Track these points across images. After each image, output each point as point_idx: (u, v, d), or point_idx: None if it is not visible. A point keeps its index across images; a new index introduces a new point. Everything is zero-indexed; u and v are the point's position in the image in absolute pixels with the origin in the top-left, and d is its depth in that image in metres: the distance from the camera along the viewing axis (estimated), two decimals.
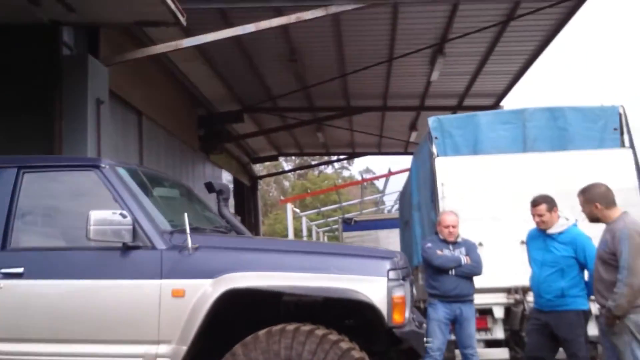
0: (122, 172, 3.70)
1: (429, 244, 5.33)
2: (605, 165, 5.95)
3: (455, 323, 5.26)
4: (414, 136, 14.82)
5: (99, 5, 6.18)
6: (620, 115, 6.35)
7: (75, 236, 3.54)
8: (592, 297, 4.44)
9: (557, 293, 4.52)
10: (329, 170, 38.87)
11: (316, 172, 36.89)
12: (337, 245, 3.59)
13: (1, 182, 3.73)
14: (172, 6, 6.08)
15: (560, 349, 4.72)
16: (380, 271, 3.20)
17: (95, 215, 3.27)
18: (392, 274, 3.21)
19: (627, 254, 3.76)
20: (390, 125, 14.54)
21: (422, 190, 7.16)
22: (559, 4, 7.94)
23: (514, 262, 5.79)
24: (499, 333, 5.99)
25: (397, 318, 3.15)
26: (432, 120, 6.55)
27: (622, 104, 6.43)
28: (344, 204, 21.23)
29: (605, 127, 6.36)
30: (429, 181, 6.54)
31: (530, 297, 5.56)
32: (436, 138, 6.43)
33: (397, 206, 18.08)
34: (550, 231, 4.65)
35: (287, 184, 39.72)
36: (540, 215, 4.65)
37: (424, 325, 4.00)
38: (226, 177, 14.91)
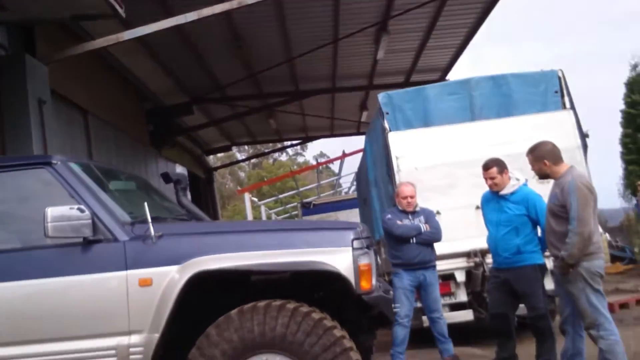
0: (75, 167, 3.62)
1: (389, 216, 5.46)
2: (549, 127, 6.18)
3: (420, 289, 5.42)
4: (364, 116, 14.97)
5: (32, 1, 5.95)
6: (559, 78, 6.61)
7: (33, 236, 3.45)
8: (547, 253, 4.67)
9: (514, 250, 4.71)
10: (283, 157, 38.88)
11: (271, 161, 36.81)
12: (300, 222, 3.64)
13: None
14: None
15: (521, 305, 4.95)
16: (344, 241, 3.27)
17: (52, 212, 3.20)
18: (356, 243, 3.28)
19: (576, 205, 3.96)
20: (341, 106, 14.64)
21: (377, 166, 7.29)
22: None
23: (471, 227, 5.99)
24: (462, 296, 6.21)
25: (364, 285, 3.23)
26: (381, 96, 6.65)
27: (561, 67, 6.71)
28: (301, 189, 21.32)
29: (546, 90, 6.61)
30: (384, 156, 6.67)
31: (489, 259, 5.78)
32: (387, 113, 6.54)
33: (354, 187, 18.28)
34: (503, 192, 4.82)
35: (242, 174, 39.46)
36: (492, 178, 4.82)
37: (391, 292, 4.11)
38: (180, 171, 14.68)
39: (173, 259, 3.28)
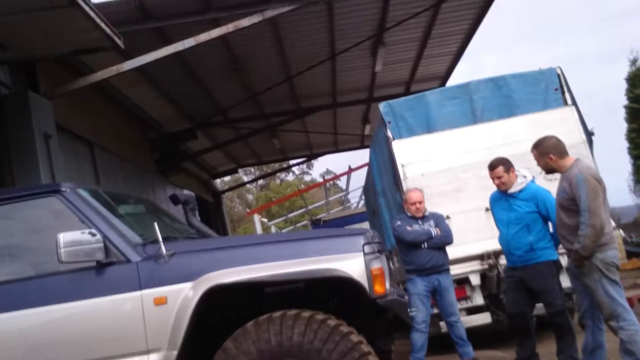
0: (83, 193, 3.67)
1: (399, 222, 5.45)
2: (552, 125, 6.16)
3: (435, 294, 5.39)
4: (367, 129, 15.02)
5: (34, 40, 6.08)
6: (558, 75, 6.62)
7: (46, 263, 3.48)
8: (561, 250, 4.63)
9: (526, 248, 4.68)
10: (290, 177, 38.94)
11: (278, 181, 36.89)
12: (310, 231, 3.65)
13: None
14: (107, 30, 6.01)
15: (539, 305, 4.90)
16: (355, 247, 3.27)
17: (65, 237, 3.23)
18: (367, 248, 3.28)
19: (585, 197, 3.95)
20: (343, 121, 14.70)
21: (384, 176, 7.30)
22: None
23: (482, 229, 5.98)
24: (478, 299, 6.16)
25: (378, 289, 3.23)
26: (382, 106, 6.69)
27: (559, 64, 6.73)
28: (310, 207, 21.28)
29: (546, 88, 6.62)
30: (389, 165, 6.68)
31: (502, 261, 5.75)
32: (389, 122, 6.57)
33: (362, 201, 18.26)
34: (511, 190, 4.82)
35: (250, 197, 39.53)
36: (499, 178, 4.82)
37: (406, 297, 4.10)
38: (188, 192, 14.72)
39: (186, 275, 3.29)
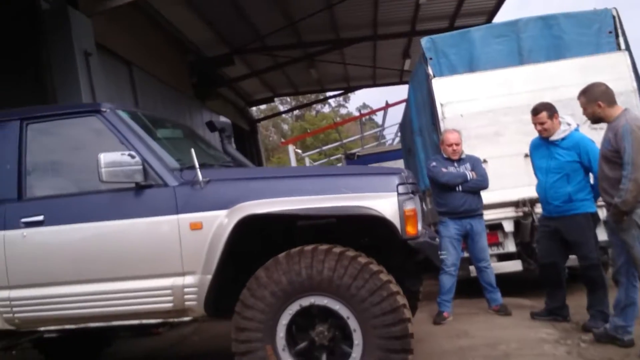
0: (123, 115, 3.71)
1: (434, 163, 5.38)
2: (602, 70, 5.87)
3: (467, 239, 5.37)
4: (407, 64, 14.62)
5: None
6: (614, 17, 6.23)
7: (87, 181, 3.60)
8: (600, 202, 4.51)
9: (565, 198, 4.58)
10: (326, 109, 38.62)
11: (314, 113, 36.67)
12: (346, 167, 3.64)
13: (6, 136, 3.75)
14: None
15: (572, 257, 4.85)
16: (390, 187, 3.25)
17: (106, 157, 3.31)
18: (401, 189, 3.26)
19: (630, 150, 3.80)
20: (383, 55, 14.32)
21: (421, 115, 7.15)
22: None
23: (520, 175, 5.86)
24: (510, 246, 6.11)
25: (410, 230, 3.23)
26: (425, 41, 6.44)
27: (615, 5, 6.32)
28: (345, 141, 21.14)
29: (599, 31, 6.25)
30: (428, 104, 6.52)
31: (538, 209, 5.66)
32: (430, 59, 6.35)
33: (398, 138, 18.06)
34: (553, 138, 4.67)
35: (285, 127, 39.53)
36: (541, 124, 4.67)
37: (437, 239, 4.10)
38: (224, 120, 14.75)
39: (221, 203, 3.35)
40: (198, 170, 3.40)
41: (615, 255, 4.25)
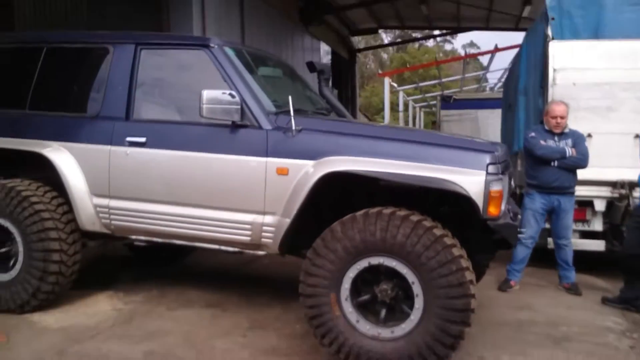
0: (229, 52, 3.81)
1: (533, 134, 5.14)
2: None
3: (552, 214, 5.20)
4: (527, 11, 13.58)
5: None
6: None
7: (188, 111, 3.80)
8: None
9: None
10: (430, 43, 37.13)
11: (416, 45, 35.38)
12: (438, 135, 3.55)
13: (121, 58, 4.00)
14: None
15: None
16: (479, 164, 3.18)
17: (208, 94, 3.46)
18: (491, 168, 3.18)
19: None
20: None
21: (531, 74, 6.74)
22: None
23: (625, 156, 5.54)
24: (597, 225, 5.87)
25: (492, 211, 3.18)
26: None
27: None
28: (443, 79, 20.34)
29: None
30: (540, 66, 6.13)
31: (636, 193, 5.36)
32: (552, 19, 5.90)
33: (500, 84, 17.20)
34: None
35: (385, 56, 38.58)
36: None
37: (519, 216, 4.01)
38: (324, 49, 14.67)
39: (309, 154, 3.44)
40: (292, 118, 3.49)
41: None
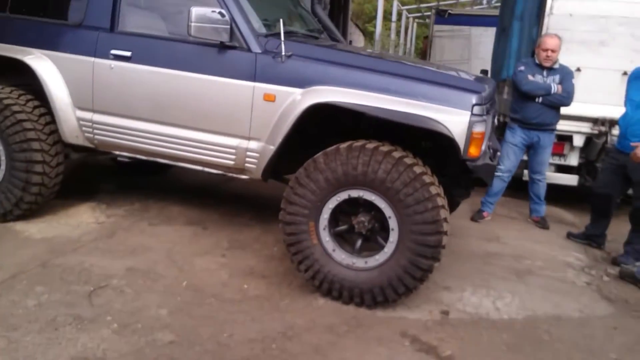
0: None
1: (522, 67, 5.11)
2: None
3: (530, 148, 5.30)
4: None
5: None
6: None
7: (176, 27, 3.67)
8: None
9: None
10: None
11: None
12: (427, 70, 3.50)
13: None
14: None
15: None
16: (464, 105, 3.18)
17: (197, 11, 3.34)
18: (476, 109, 3.19)
19: None
20: None
21: (528, 0, 6.58)
22: None
23: (610, 93, 5.58)
24: (573, 160, 6.03)
25: (472, 151, 3.23)
26: None
27: None
28: None
29: None
30: None
31: (615, 131, 5.45)
32: None
33: (495, 1, 16.69)
34: None
35: None
36: None
37: (498, 153, 4.08)
38: None
39: (298, 81, 3.40)
40: (282, 43, 3.41)
41: None
